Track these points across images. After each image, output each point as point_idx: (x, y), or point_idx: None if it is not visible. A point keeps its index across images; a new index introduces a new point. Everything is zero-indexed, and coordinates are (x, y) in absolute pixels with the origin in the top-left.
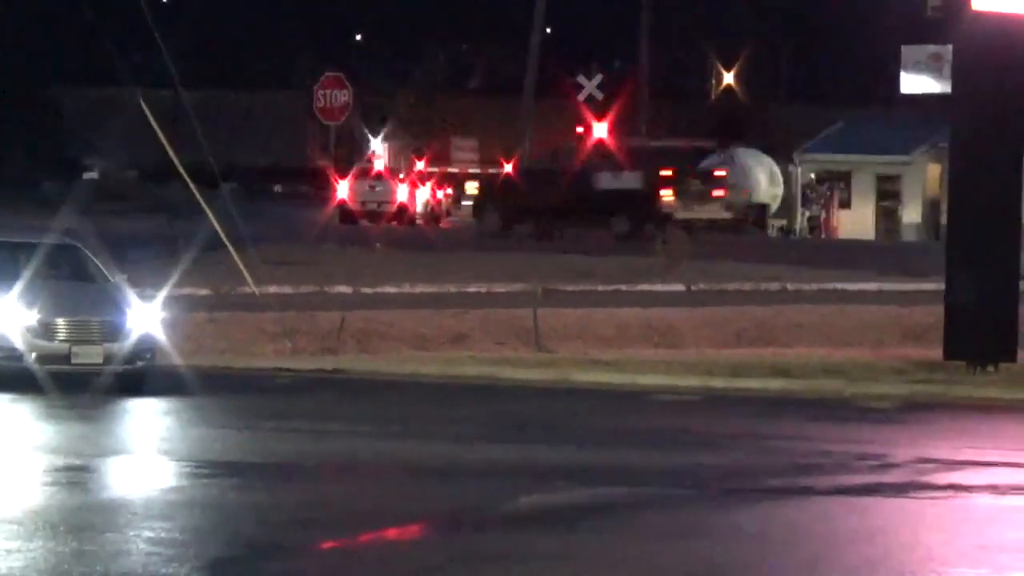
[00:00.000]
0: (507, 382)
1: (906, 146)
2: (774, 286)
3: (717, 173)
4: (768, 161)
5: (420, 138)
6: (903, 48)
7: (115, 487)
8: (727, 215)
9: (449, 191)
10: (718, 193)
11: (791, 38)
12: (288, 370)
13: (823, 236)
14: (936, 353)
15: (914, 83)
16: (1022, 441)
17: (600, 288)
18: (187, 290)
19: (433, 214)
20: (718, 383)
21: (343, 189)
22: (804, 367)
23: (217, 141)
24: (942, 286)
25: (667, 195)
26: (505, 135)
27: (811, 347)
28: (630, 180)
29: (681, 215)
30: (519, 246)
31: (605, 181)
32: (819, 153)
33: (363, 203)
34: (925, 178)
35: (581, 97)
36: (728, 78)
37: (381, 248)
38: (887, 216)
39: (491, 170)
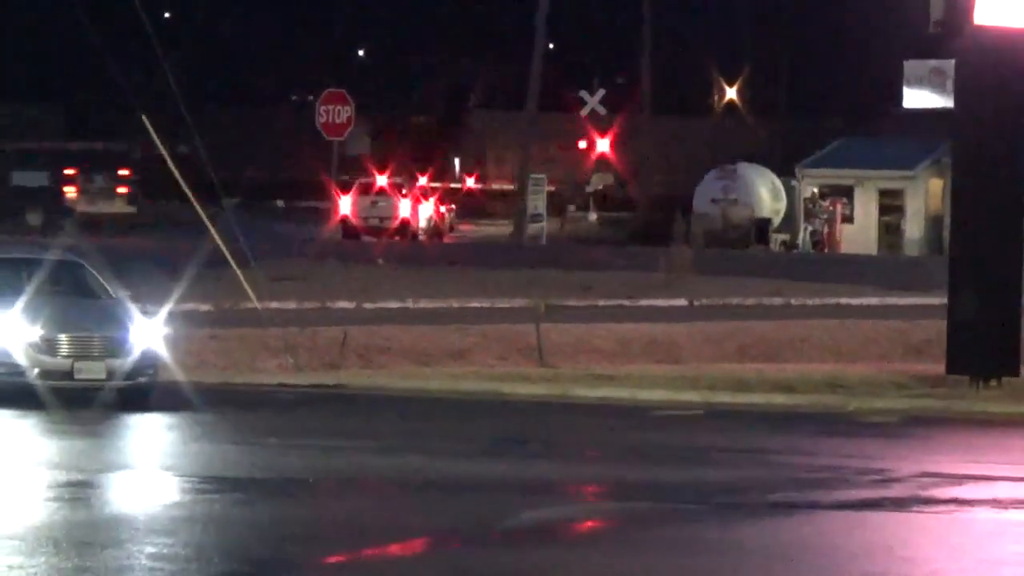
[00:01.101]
0: (509, 397)
1: (909, 161)
2: (777, 301)
3: (121, 172)
4: (771, 176)
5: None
6: (905, 63)
7: (118, 503)
8: (131, 209)
9: (452, 206)
10: (122, 190)
11: (794, 53)
12: (290, 386)
13: (826, 251)
14: (939, 368)
15: (917, 98)
16: None
17: (602, 303)
18: (189, 306)
19: (436, 229)
20: (721, 398)
21: (345, 205)
22: (807, 382)
23: (219, 156)
24: (945, 301)
25: (70, 191)
26: (507, 150)
27: (814, 362)
28: (39, 178)
29: (84, 209)
30: (523, 262)
31: (19, 179)
32: (822, 168)
33: (365, 219)
34: (927, 193)
35: (584, 112)
36: (731, 93)
37: (384, 264)
38: (890, 231)
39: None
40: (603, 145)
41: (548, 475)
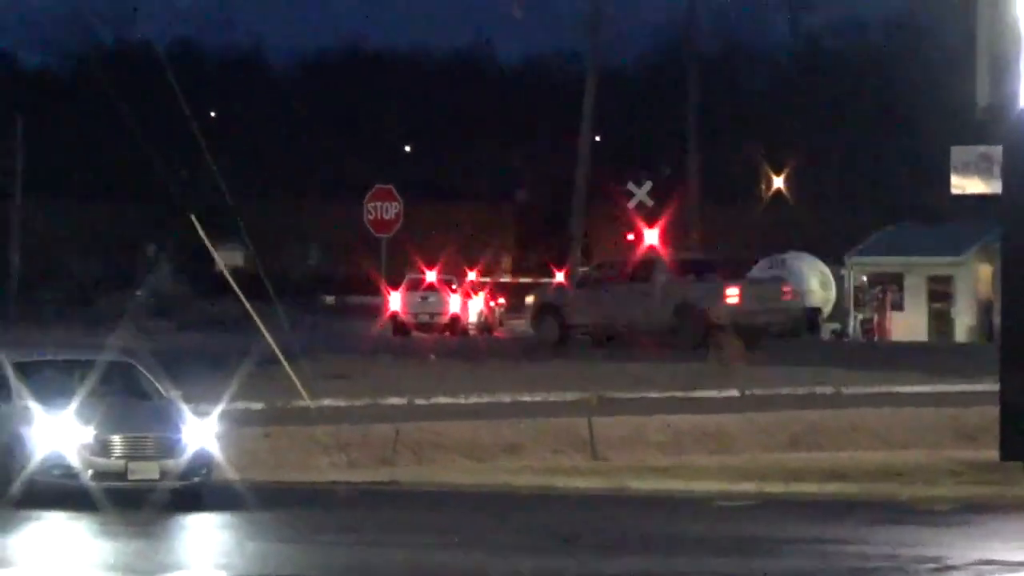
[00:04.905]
0: (563, 491)
1: (957, 247)
2: (828, 390)
3: None
4: (820, 265)
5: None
6: (952, 149)
7: None
8: None
9: (502, 301)
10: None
11: (841, 141)
12: (344, 483)
13: (876, 339)
14: (992, 454)
15: (964, 184)
16: None
17: (654, 395)
18: (241, 404)
19: (486, 324)
20: (774, 488)
21: (395, 301)
22: (859, 470)
23: (268, 253)
24: (996, 387)
25: None
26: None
27: (866, 450)
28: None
29: None
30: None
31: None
32: (870, 256)
33: (415, 314)
34: (977, 279)
35: (631, 204)
36: (778, 182)
37: (434, 359)
38: (939, 318)
39: (544, 280)
40: (651, 237)
41: (604, 568)
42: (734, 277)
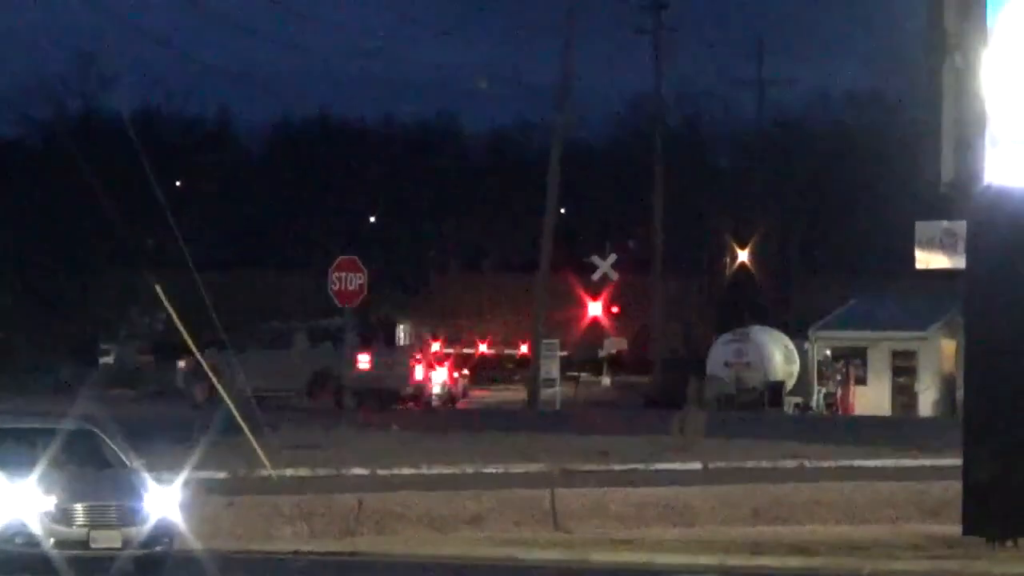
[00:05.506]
0: (525, 563)
1: (921, 322)
2: (791, 463)
3: None
4: (783, 339)
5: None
6: (917, 224)
7: None
8: None
9: (466, 372)
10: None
11: (806, 215)
12: (305, 553)
13: (839, 412)
14: (955, 529)
15: (928, 259)
16: None
17: (617, 468)
18: (205, 473)
19: (450, 395)
20: (736, 562)
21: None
22: (822, 544)
23: (235, 322)
24: (959, 462)
25: None
26: (520, 315)
27: (829, 524)
28: None
29: None
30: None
31: None
32: (834, 330)
33: None
34: (940, 353)
35: (595, 276)
36: (743, 256)
37: (397, 429)
38: (903, 392)
39: (507, 351)
40: (612, 307)
41: None
42: (372, 343)
